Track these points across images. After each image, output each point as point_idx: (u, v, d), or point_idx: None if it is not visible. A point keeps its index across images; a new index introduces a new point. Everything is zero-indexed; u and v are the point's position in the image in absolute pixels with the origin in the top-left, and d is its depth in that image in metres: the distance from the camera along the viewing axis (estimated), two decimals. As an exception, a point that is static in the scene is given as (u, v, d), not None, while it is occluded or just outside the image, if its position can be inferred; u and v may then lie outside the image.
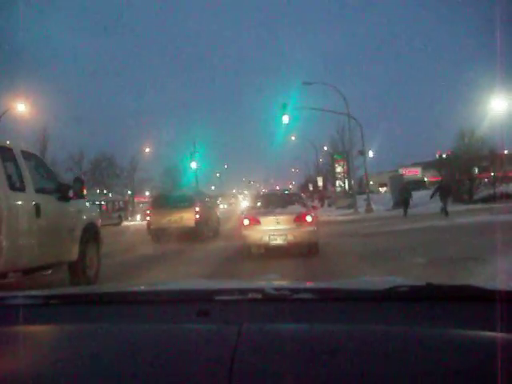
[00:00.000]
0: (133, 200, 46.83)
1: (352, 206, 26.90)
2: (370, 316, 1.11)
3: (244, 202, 57.65)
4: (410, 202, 20.64)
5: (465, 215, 16.18)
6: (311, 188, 51.43)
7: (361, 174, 34.80)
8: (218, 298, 1.24)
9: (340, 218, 22.38)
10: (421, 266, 6.86)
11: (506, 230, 8.98)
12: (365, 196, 28.60)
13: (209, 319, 1.10)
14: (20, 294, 1.38)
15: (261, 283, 1.49)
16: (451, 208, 18.89)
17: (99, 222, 7.51)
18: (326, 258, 8.90)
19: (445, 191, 18.76)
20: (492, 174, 25.73)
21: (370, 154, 30.22)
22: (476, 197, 24.48)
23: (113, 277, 7.32)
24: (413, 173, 47.68)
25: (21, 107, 25.03)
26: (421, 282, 1.23)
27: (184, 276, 7.42)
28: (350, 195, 32.32)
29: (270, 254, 9.05)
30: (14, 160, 5.42)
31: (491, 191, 23.63)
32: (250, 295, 1.24)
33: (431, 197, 19.58)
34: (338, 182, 35.69)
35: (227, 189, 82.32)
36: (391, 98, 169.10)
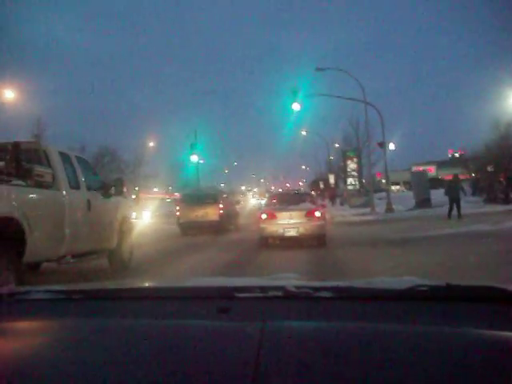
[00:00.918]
0: (139, 196, 43.79)
1: (368, 204, 24.84)
2: (391, 315, 1.11)
3: (253, 200, 56.43)
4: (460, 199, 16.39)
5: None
6: (322, 186, 49.18)
7: (374, 171, 33.91)
8: (238, 295, 1.24)
9: (357, 219, 20.07)
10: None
11: None
12: (378, 195, 27.96)
13: (230, 316, 1.10)
14: (41, 288, 1.39)
15: (281, 281, 1.46)
16: (485, 209, 17.54)
17: (133, 216, 8.72)
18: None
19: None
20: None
21: (391, 146, 26.59)
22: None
23: (153, 263, 8.75)
24: (427, 171, 47.77)
25: (9, 94, 23.64)
26: (441, 282, 1.22)
27: (213, 262, 8.76)
28: (364, 193, 30.80)
29: (283, 243, 10.62)
30: (70, 164, 6.62)
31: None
32: (270, 293, 1.23)
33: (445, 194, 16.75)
34: (349, 180, 34.71)
35: (236, 186, 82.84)
36: (405, 96, 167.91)
